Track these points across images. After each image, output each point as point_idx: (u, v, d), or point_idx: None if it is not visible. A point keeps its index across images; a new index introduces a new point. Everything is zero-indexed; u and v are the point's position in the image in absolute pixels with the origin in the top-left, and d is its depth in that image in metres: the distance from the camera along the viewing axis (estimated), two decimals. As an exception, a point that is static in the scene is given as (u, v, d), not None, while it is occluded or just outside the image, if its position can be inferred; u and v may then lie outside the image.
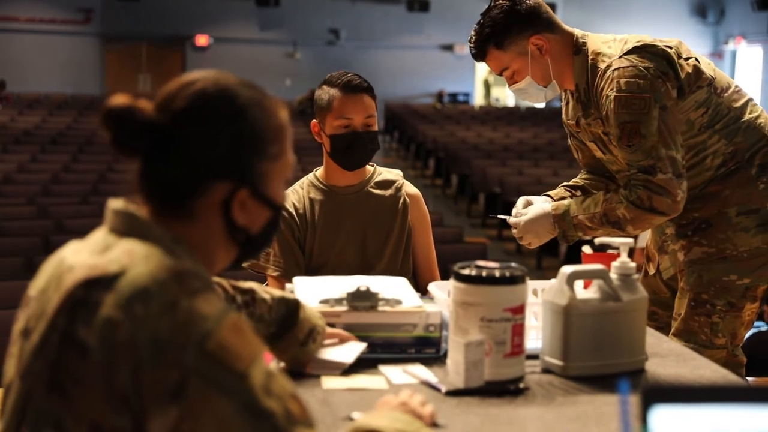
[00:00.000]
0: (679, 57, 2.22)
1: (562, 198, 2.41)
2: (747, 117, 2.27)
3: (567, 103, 2.42)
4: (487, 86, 22.10)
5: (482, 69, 21.42)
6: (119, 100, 1.17)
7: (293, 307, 1.68)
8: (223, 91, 1.21)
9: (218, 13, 20.14)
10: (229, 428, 1.05)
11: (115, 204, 1.21)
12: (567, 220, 2.25)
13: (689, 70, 2.21)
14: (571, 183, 2.51)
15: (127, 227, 1.19)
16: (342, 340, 1.76)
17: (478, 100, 22.14)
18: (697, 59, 2.25)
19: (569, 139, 2.54)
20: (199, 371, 1.06)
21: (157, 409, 1.05)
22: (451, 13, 20.13)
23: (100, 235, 1.21)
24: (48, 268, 1.21)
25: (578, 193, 2.46)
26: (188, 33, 20.27)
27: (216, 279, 1.61)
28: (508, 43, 2.29)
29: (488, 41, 2.30)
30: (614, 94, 2.16)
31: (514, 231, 2.36)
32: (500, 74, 2.37)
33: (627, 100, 2.15)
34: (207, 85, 1.21)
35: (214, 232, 1.22)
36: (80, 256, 1.18)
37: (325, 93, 2.43)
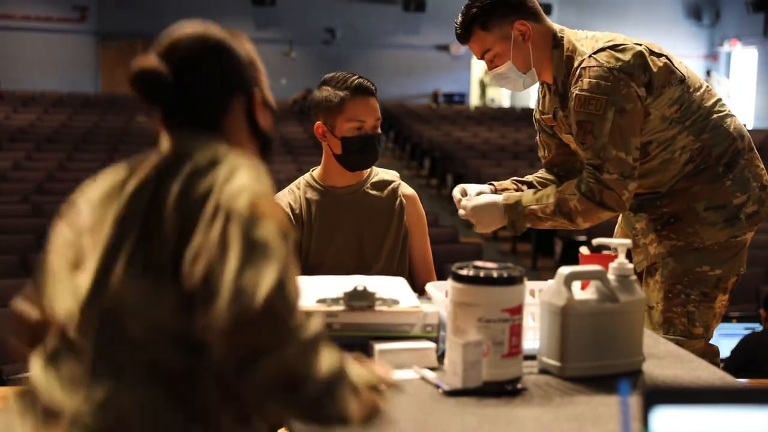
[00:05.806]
0: (651, 53, 2.26)
1: (506, 189, 2.50)
2: (715, 116, 2.33)
3: (543, 96, 2.48)
4: (483, 87, 22.10)
5: (478, 69, 21.43)
6: (145, 62, 1.37)
7: None
8: (211, 37, 1.50)
9: (214, 12, 20.09)
10: (228, 244, 1.19)
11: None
12: (518, 210, 2.34)
13: (660, 64, 2.25)
14: (521, 178, 2.60)
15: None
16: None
17: (473, 100, 22.14)
18: (668, 57, 2.29)
19: (538, 135, 2.61)
20: (236, 214, 1.22)
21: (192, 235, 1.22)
22: (447, 13, 20.00)
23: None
24: None
25: (524, 187, 2.53)
26: (184, 31, 20.24)
27: None
28: (493, 25, 2.35)
29: (474, 21, 2.37)
30: (577, 91, 2.24)
31: (461, 213, 2.42)
32: (481, 58, 2.42)
33: (586, 100, 2.22)
34: (199, 35, 1.50)
35: (243, 142, 1.42)
36: None
37: (333, 94, 2.42)
